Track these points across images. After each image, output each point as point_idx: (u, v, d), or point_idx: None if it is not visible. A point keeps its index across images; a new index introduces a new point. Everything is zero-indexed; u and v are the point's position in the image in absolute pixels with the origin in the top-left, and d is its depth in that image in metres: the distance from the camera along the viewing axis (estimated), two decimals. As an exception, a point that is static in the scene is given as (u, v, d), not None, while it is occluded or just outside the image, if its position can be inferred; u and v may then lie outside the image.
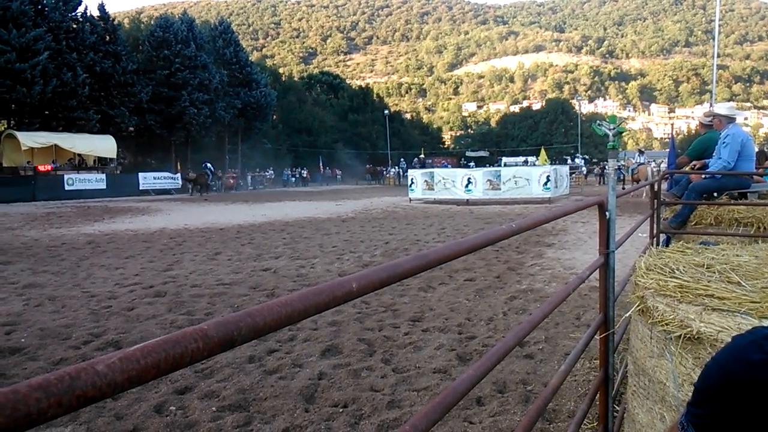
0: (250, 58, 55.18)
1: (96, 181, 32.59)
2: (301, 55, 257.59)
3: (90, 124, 36.41)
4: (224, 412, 3.38)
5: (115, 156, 36.15)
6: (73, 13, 37.29)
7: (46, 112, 35.05)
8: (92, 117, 36.34)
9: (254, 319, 0.61)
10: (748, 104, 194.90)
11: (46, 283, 7.32)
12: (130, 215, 19.07)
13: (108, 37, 39.03)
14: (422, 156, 52.39)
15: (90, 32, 37.17)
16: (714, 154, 5.94)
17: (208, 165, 35.58)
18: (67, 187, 30.42)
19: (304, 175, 51.98)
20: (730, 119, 5.91)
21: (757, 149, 10.75)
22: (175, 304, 6.05)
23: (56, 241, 11.85)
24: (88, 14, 38.42)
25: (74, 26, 36.93)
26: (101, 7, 39.89)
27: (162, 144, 44.72)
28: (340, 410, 3.39)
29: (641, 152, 26.01)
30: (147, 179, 36.02)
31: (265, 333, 0.63)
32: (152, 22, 46.58)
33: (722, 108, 6.17)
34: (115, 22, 41.02)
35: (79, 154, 34.41)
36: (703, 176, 5.84)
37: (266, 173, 49.22)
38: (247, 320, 0.61)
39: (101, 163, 35.78)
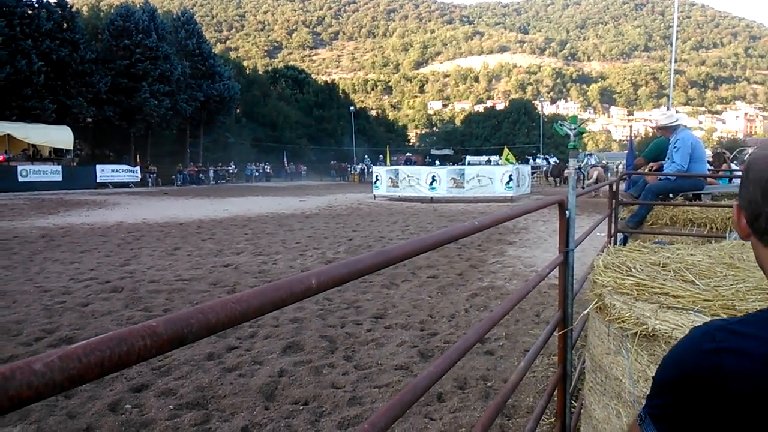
0: (213, 51, 54.13)
1: (51, 172, 31.50)
2: (265, 48, 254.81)
3: (45, 114, 35.14)
4: (182, 410, 3.31)
5: (71, 147, 34.95)
6: (29, -2, 36.00)
7: (-1, 101, 33.75)
8: (48, 107, 35.10)
9: (206, 316, 0.59)
10: (703, 108, 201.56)
11: (-4, 278, 7.06)
12: (86, 208, 18.54)
13: (65, 25, 37.70)
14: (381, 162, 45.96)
15: (46, 19, 35.88)
16: (666, 158, 6.10)
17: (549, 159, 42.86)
18: (20, 179, 29.35)
19: (268, 171, 51.38)
20: (674, 127, 6.08)
21: (710, 152, 11.13)
22: (131, 300, 5.91)
23: (8, 234, 11.44)
24: (45, 0, 37.09)
25: (29, 12, 35.56)
26: (59, -7, 38.58)
27: (121, 136, 43.54)
28: (301, 408, 3.36)
29: (590, 155, 27.03)
30: (105, 172, 35.10)
31: (218, 330, 0.61)
32: (112, 11, 45.19)
33: (662, 119, 6.36)
34: (74, 9, 39.60)
35: (34, 145, 33.17)
36: (659, 177, 6.00)
37: (229, 168, 48.42)
38: (198, 317, 0.58)
39: (57, 155, 34.55)
